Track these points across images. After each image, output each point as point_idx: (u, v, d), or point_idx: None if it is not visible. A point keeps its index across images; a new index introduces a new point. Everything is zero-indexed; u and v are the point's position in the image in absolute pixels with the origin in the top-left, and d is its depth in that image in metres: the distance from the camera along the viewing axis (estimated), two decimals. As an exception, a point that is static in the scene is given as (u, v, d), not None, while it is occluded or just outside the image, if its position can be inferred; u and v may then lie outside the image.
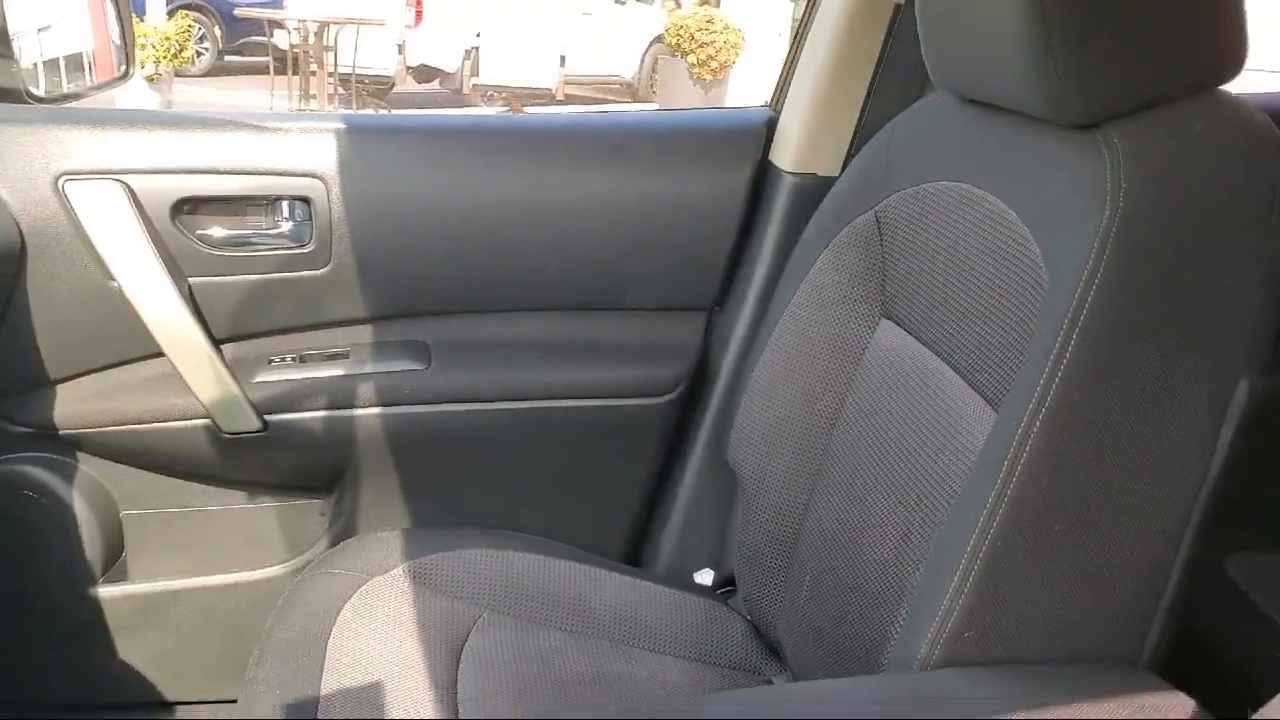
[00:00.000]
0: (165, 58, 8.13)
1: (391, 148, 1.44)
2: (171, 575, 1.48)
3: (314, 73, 8.85)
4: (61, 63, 1.64)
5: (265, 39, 10.32)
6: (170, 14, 9.17)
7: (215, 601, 1.47)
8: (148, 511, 1.49)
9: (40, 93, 1.49)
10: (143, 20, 8.55)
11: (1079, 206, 0.88)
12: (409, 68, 11.15)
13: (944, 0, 1.02)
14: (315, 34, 8.75)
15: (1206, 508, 0.87)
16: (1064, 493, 0.85)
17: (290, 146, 1.39)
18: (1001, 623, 0.86)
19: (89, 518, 1.44)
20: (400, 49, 10.55)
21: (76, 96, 1.57)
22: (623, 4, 12.74)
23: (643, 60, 12.42)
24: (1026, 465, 0.84)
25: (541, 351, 1.49)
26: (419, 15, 12.04)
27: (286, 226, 1.42)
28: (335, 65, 9.04)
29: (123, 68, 1.64)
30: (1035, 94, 0.92)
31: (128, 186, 1.34)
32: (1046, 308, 0.88)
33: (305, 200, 1.40)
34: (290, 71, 9.06)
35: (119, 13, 1.65)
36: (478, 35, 10.95)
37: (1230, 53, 0.91)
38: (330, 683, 1.12)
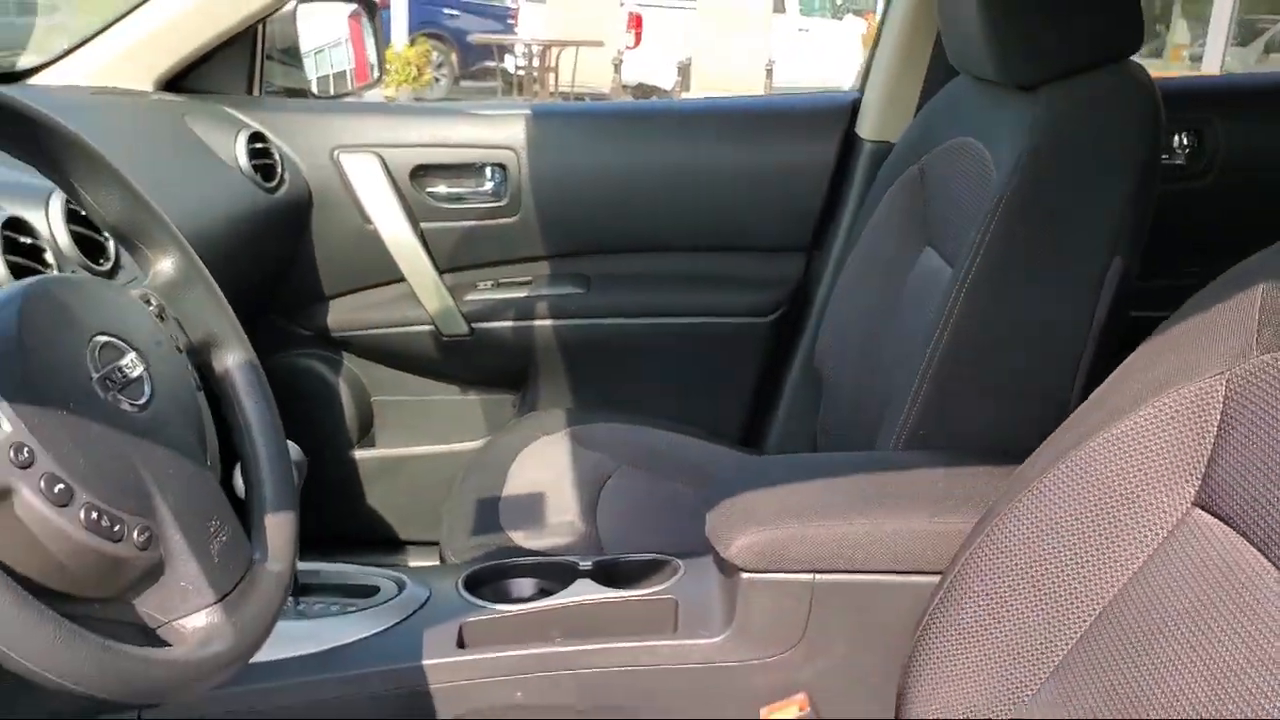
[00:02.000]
0: (405, 81, 9.04)
1: (565, 127, 1.94)
2: (404, 444, 2.03)
3: (536, 93, 9.62)
4: (331, 74, 2.21)
5: (496, 64, 11.20)
6: (412, 41, 10.13)
7: (434, 465, 2.00)
8: (389, 397, 2.04)
9: (320, 92, 2.06)
10: (386, 47, 9.52)
11: (1016, 139, 1.27)
12: (625, 86, 11.82)
13: None
14: (539, 56, 9.50)
15: (1092, 359, 1.24)
16: (984, 327, 1.24)
17: (492, 127, 1.91)
18: (944, 422, 1.26)
19: (349, 399, 2.00)
20: (616, 68, 11.22)
21: (344, 95, 2.14)
22: (839, 19, 13.07)
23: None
24: (961, 306, 1.24)
25: (673, 280, 1.95)
26: (638, 37, 12.72)
27: (489, 186, 1.94)
28: (556, 85, 9.78)
29: (375, 74, 2.21)
30: (992, 65, 1.32)
31: (380, 157, 1.89)
32: (988, 201, 1.27)
33: (502, 166, 1.92)
34: (515, 92, 9.86)
35: (375, 35, 2.22)
36: (688, 54, 11.49)
37: (1129, 30, 1.29)
38: (507, 495, 1.62)
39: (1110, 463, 0.84)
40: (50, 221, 1.13)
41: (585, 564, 1.27)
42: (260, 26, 1.91)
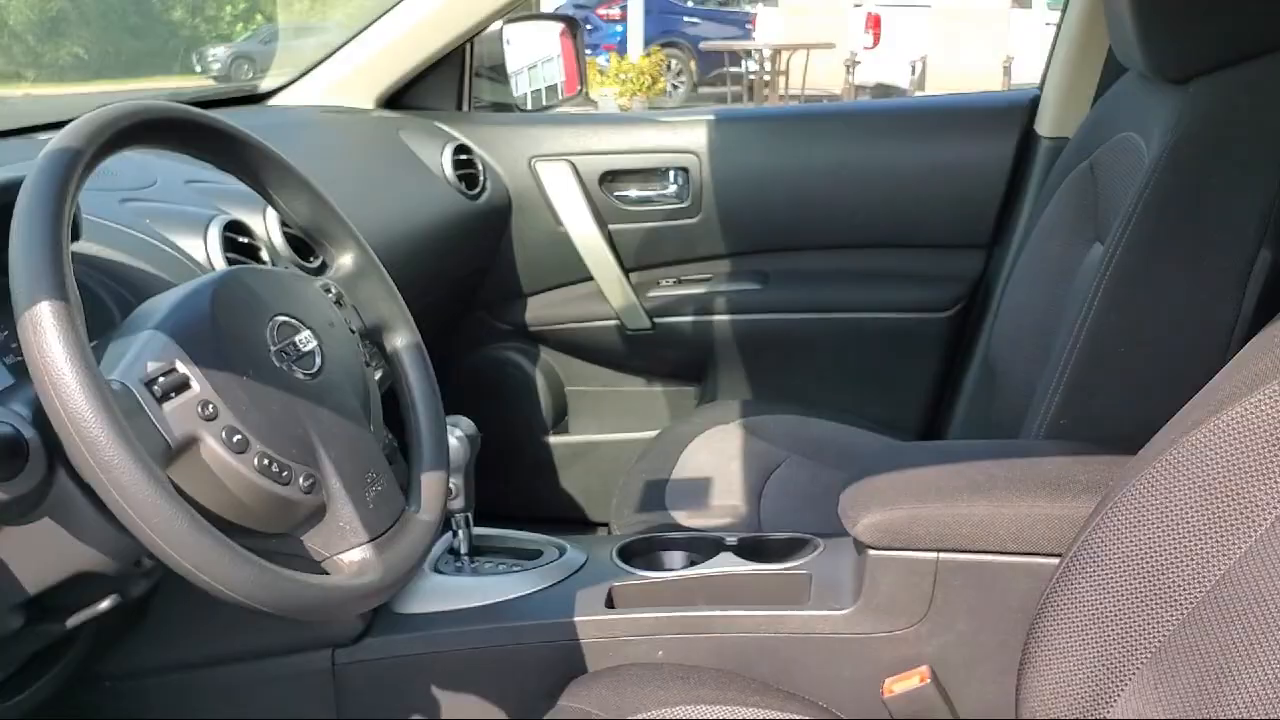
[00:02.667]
0: (640, 90, 9.32)
1: (744, 131, 2.03)
2: (593, 432, 2.17)
3: (766, 97, 9.72)
4: (544, 89, 2.38)
5: (732, 70, 11.37)
6: (647, 52, 10.43)
7: (619, 451, 2.12)
8: (581, 388, 2.19)
9: (527, 107, 2.23)
10: (622, 58, 9.84)
11: (1164, 132, 1.28)
12: (859, 86, 11.75)
13: None
14: (769, 60, 9.59)
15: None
16: (1126, 318, 1.25)
17: (675, 133, 2.02)
18: (1086, 412, 1.28)
19: (545, 388, 2.16)
20: (848, 69, 11.18)
21: (549, 108, 2.30)
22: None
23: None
24: (1102, 298, 1.25)
25: (850, 276, 2.00)
26: (877, 37, 12.63)
27: (672, 189, 2.06)
28: (786, 88, 9.84)
29: (579, 89, 2.36)
30: (1144, 59, 1.33)
31: (573, 164, 2.03)
32: (1135, 193, 1.27)
33: (685, 170, 2.02)
34: (746, 98, 9.99)
35: (579, 49, 2.37)
36: (922, 53, 11.32)
37: (1278, 21, 1.26)
38: (675, 478, 1.72)
39: (1217, 450, 0.86)
40: (266, 225, 1.32)
41: (731, 540, 1.36)
42: (468, 46, 2.09)
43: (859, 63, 11.78)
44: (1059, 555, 1.02)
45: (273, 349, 0.90)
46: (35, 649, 1.05)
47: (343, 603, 0.88)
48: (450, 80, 2.10)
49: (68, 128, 0.83)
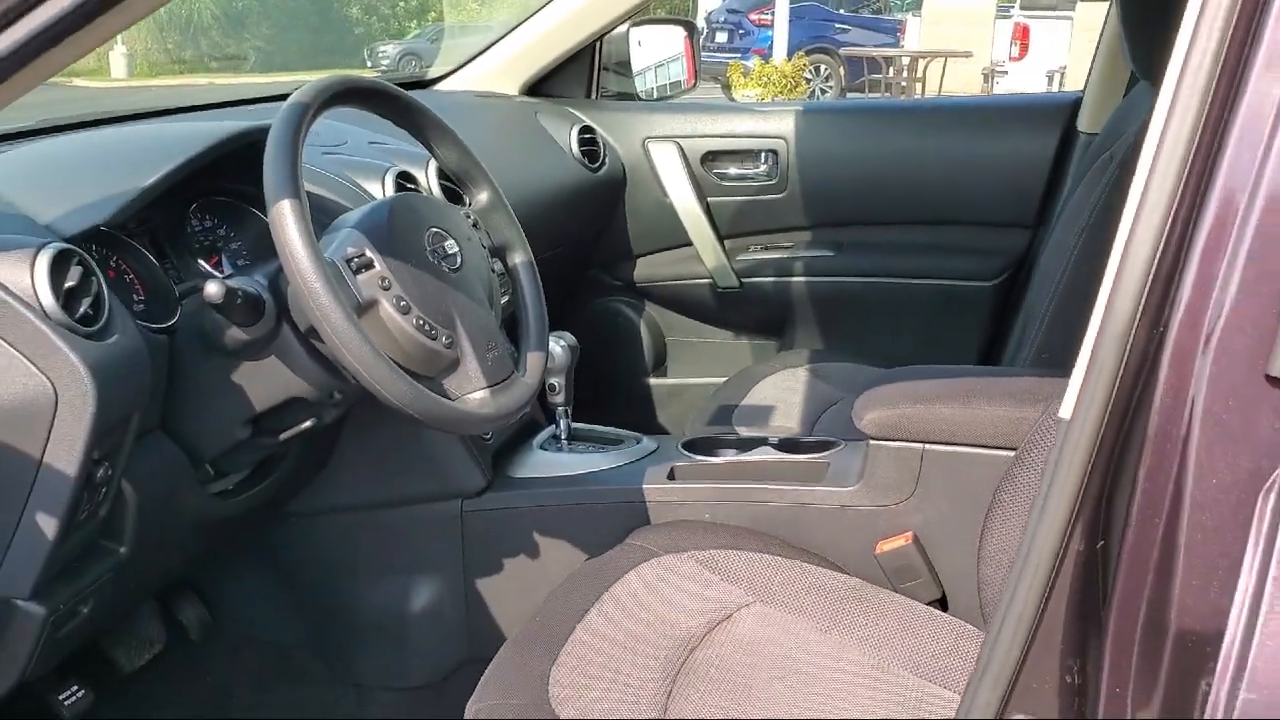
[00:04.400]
0: (781, 93, 9.64)
1: (825, 121, 2.38)
2: (688, 376, 2.53)
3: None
4: (668, 84, 2.75)
5: (874, 77, 11.56)
6: (790, 57, 10.74)
7: (709, 392, 2.48)
8: (679, 338, 2.56)
9: (649, 97, 2.61)
10: (766, 62, 10.17)
11: (1140, 124, 1.58)
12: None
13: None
14: (907, 67, 9.79)
15: None
16: (1092, 270, 1.56)
17: (767, 121, 2.38)
18: (1065, 347, 1.58)
19: (648, 336, 2.54)
20: (986, 78, 11.26)
21: (668, 98, 2.67)
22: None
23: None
24: (1081, 248, 1.56)
25: (912, 248, 2.33)
26: (1024, 48, 12.63)
27: (763, 168, 2.41)
28: (923, 95, 10.01)
29: (691, 82, 2.72)
30: (1133, 64, 1.63)
31: (679, 145, 2.41)
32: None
33: (775, 153, 2.38)
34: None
35: (694, 51, 2.74)
36: (1062, 63, 11.31)
37: None
38: (744, 404, 2.07)
39: None
40: (427, 175, 1.73)
41: (773, 439, 1.71)
42: (598, 44, 2.48)
43: (1005, 73, 11.83)
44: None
45: (428, 248, 1.29)
46: (258, 459, 1.47)
47: (465, 422, 1.27)
48: (582, 73, 2.50)
49: (300, 89, 1.24)
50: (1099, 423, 0.70)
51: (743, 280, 2.42)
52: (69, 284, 1.10)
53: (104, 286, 1.15)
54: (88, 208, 1.25)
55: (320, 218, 1.37)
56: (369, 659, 1.76)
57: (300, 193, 1.15)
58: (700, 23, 16.90)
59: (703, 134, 2.41)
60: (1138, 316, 0.69)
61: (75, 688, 1.48)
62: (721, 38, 15.99)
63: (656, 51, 2.75)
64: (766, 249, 2.44)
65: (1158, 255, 0.68)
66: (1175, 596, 0.66)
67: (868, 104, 2.39)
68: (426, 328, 1.24)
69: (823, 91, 13.23)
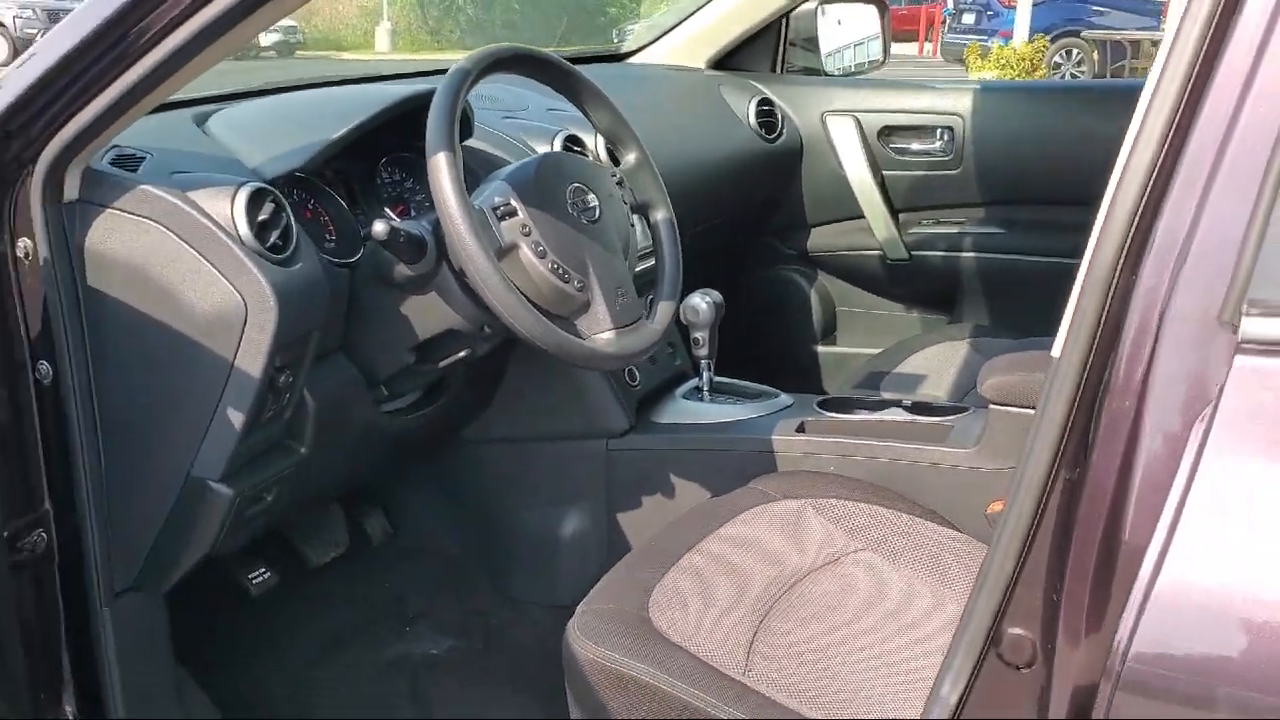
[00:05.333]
0: (1014, 74, 9.36)
1: (1002, 100, 2.39)
2: (857, 345, 2.60)
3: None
4: (868, 60, 2.81)
5: (1133, 63, 11.00)
6: (1030, 39, 10.37)
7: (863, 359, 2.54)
8: (848, 308, 2.63)
9: (832, 73, 2.68)
10: (1005, 44, 9.88)
11: None
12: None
13: None
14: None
15: None
16: None
17: (944, 98, 2.41)
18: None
19: (818, 306, 2.62)
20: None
21: (849, 74, 2.74)
22: None
23: None
24: None
25: (1085, 229, 2.31)
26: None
27: (938, 145, 2.45)
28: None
29: (880, 59, 2.77)
30: None
31: (857, 119, 2.47)
32: None
33: (950, 129, 2.41)
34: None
35: (884, 28, 2.78)
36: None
37: None
38: (895, 371, 2.13)
39: None
40: (595, 140, 1.88)
41: (906, 403, 1.78)
42: (784, 20, 2.58)
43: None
44: None
45: (569, 201, 1.44)
46: (423, 383, 1.67)
47: (591, 359, 1.42)
48: (768, 48, 2.60)
49: (464, 57, 1.41)
50: (1083, 361, 0.78)
51: (912, 253, 2.47)
52: (262, 217, 1.30)
53: (292, 221, 1.35)
54: (287, 155, 1.47)
55: (486, 171, 1.55)
56: (523, 576, 1.94)
57: (454, 147, 1.32)
58: (949, 3, 16.48)
59: (880, 109, 2.47)
60: (1120, 263, 0.75)
61: (263, 570, 1.72)
62: (968, 19, 15.55)
63: (853, 30, 2.81)
64: (938, 223, 2.47)
65: (1140, 206, 0.75)
66: (1124, 524, 0.73)
67: (1047, 84, 2.39)
68: (560, 271, 1.39)
69: (1074, 76, 12.69)
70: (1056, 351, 0.79)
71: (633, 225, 1.58)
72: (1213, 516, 0.67)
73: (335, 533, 1.95)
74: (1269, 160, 0.68)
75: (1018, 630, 0.82)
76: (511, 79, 1.70)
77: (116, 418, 1.34)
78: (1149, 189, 0.73)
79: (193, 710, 1.54)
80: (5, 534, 1.28)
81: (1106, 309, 0.76)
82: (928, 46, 17.79)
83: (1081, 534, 0.76)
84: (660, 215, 1.61)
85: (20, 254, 1.27)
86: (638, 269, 1.61)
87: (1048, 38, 11.65)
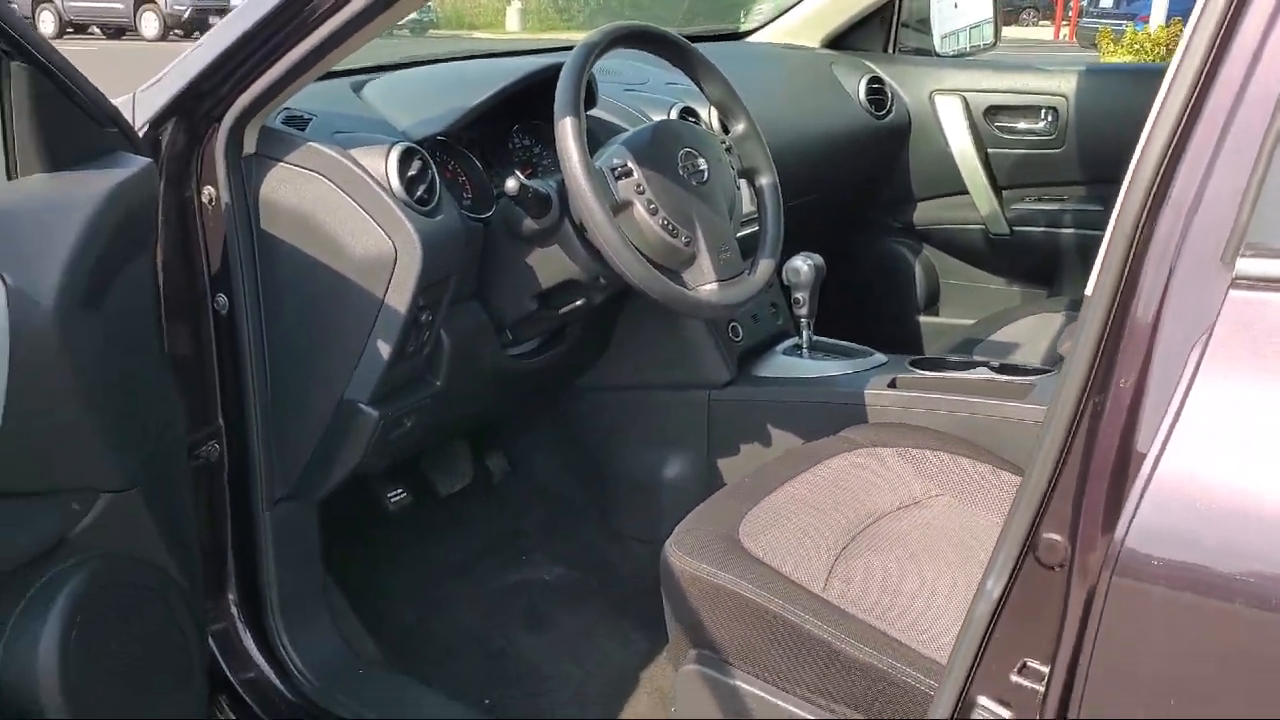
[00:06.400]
0: (1148, 59, 9.13)
1: (1106, 81, 2.47)
2: (959, 317, 2.70)
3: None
4: (983, 44, 2.88)
5: None
6: (1168, 23, 10.11)
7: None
8: (952, 280, 2.73)
9: (944, 54, 2.77)
10: (1140, 29, 9.65)
11: None
12: None
13: None
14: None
15: None
16: None
17: (1050, 80, 2.49)
18: None
19: (923, 278, 2.72)
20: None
21: (963, 55, 2.82)
22: None
23: None
24: None
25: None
26: None
27: (1042, 125, 2.52)
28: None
29: (991, 41, 2.85)
30: None
31: (964, 99, 2.56)
32: None
33: (1055, 110, 2.48)
34: None
35: (997, 11, 2.86)
36: None
37: None
38: (988, 340, 2.23)
39: None
40: (709, 112, 2.02)
41: (995, 364, 1.89)
42: (897, 2, 2.68)
43: None
44: None
45: (680, 165, 1.59)
46: (544, 330, 1.84)
47: (696, 308, 1.57)
48: (880, 28, 2.70)
49: (591, 32, 1.56)
50: (1111, 297, 0.90)
51: (1014, 228, 2.56)
52: (411, 173, 1.49)
53: (437, 178, 1.53)
54: (431, 119, 1.65)
55: (607, 137, 1.71)
56: (628, 514, 2.11)
57: (580, 113, 1.48)
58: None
59: (987, 89, 2.56)
60: (1143, 215, 0.87)
61: (401, 491, 1.92)
62: (1106, 2, 15.19)
63: (968, 14, 2.89)
64: (1040, 200, 2.55)
65: (1161, 167, 0.86)
66: (1135, 437, 0.85)
67: (1149, 67, 2.44)
68: (669, 227, 1.54)
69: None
70: (1089, 291, 0.91)
71: (738, 189, 1.72)
72: (1202, 425, 0.79)
73: (462, 467, 2.14)
74: (1266, 130, 0.80)
75: (1052, 535, 0.95)
76: (632, 55, 1.86)
77: (282, 346, 1.54)
78: (1168, 153, 0.85)
79: (334, 610, 1.74)
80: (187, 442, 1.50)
81: (1131, 253, 0.88)
82: (1064, 31, 17.39)
83: (1102, 447, 0.88)
84: (765, 180, 1.75)
85: (205, 200, 1.48)
86: (742, 233, 1.76)
87: (1185, 22, 11.21)
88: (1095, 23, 14.98)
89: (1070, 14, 17.82)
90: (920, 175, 2.65)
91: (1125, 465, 0.86)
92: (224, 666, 1.59)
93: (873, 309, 2.75)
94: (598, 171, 1.50)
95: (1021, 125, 2.55)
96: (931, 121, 2.60)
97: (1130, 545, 0.81)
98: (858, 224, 2.75)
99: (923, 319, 2.74)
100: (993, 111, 2.56)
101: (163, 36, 18.20)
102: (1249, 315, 0.79)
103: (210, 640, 1.57)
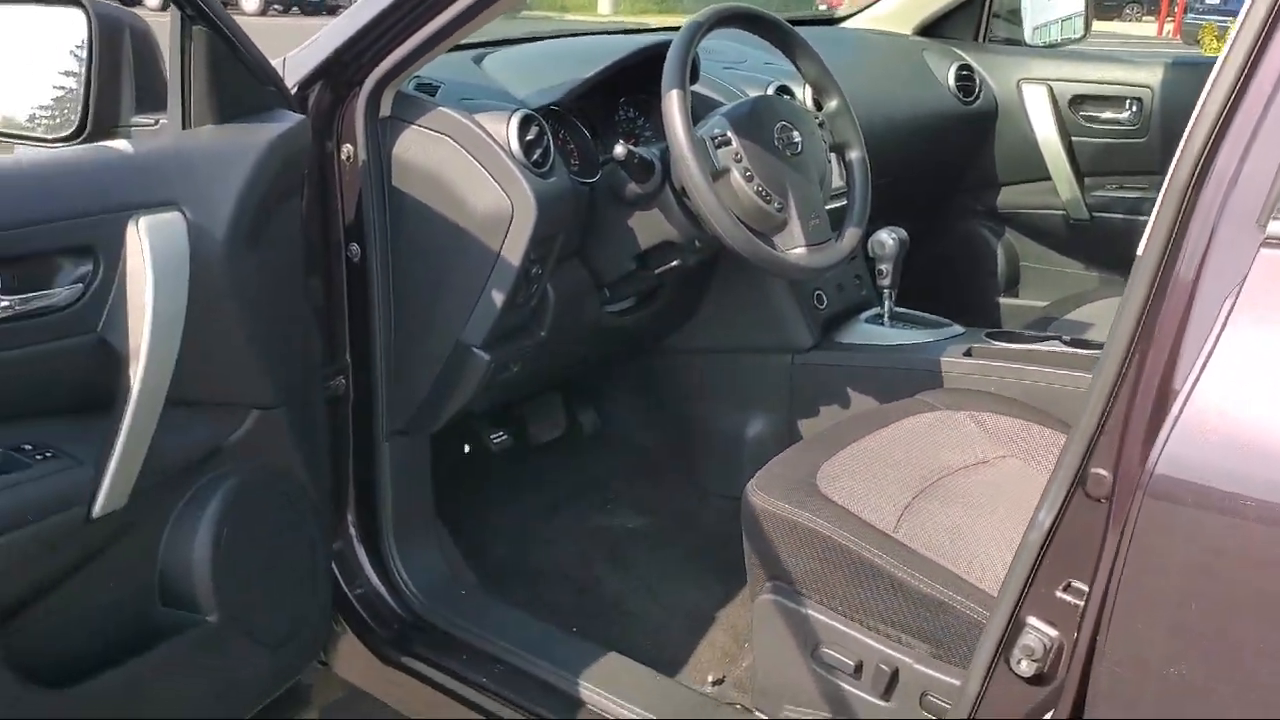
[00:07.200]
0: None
1: (1191, 73, 2.51)
2: (1039, 299, 2.77)
3: None
4: (1075, 36, 2.95)
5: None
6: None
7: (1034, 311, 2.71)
8: (1032, 264, 2.81)
9: (1033, 45, 2.84)
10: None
11: None
12: None
13: None
14: None
15: None
16: None
17: (1136, 71, 2.56)
18: None
19: (1004, 261, 2.81)
20: None
21: (1054, 46, 2.88)
22: None
23: None
24: None
25: None
26: None
27: (1126, 115, 2.59)
28: None
29: (1081, 33, 2.91)
30: None
31: (1050, 87, 2.64)
32: None
33: (1139, 100, 2.55)
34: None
35: (1088, 6, 2.92)
36: None
37: None
38: (1063, 318, 2.32)
39: None
40: (804, 90, 2.14)
41: (1067, 338, 1.98)
42: (989, -8, 2.77)
43: None
44: None
45: (776, 136, 1.72)
46: (641, 289, 1.98)
47: (786, 269, 1.70)
48: (971, 17, 2.79)
49: (698, 12, 1.69)
50: (1159, 257, 1.00)
51: (1094, 214, 2.63)
52: (529, 138, 1.63)
53: (551, 143, 1.67)
54: (546, 90, 1.79)
55: (707, 110, 1.83)
56: (711, 470, 2.24)
57: (685, 86, 1.61)
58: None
59: (1073, 79, 2.63)
60: (1190, 184, 0.98)
61: (502, 434, 2.08)
62: None
63: (1061, 7, 2.96)
64: (1121, 188, 2.62)
65: (1208, 142, 0.97)
66: (1174, 379, 0.96)
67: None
68: (764, 193, 1.67)
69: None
70: (1140, 251, 1.02)
71: (829, 162, 1.84)
72: (1230, 366, 0.90)
73: (556, 417, 2.29)
74: None
75: (1099, 470, 1.06)
76: (732, 35, 1.98)
77: (405, 292, 1.69)
78: (1214, 131, 0.95)
79: (439, 537, 1.90)
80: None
81: (1178, 218, 0.98)
82: (1168, 26, 17.03)
83: (1145, 388, 0.99)
84: (854, 155, 1.86)
85: (344, 157, 1.64)
86: (831, 206, 1.87)
87: None
88: (1200, 19, 14.68)
89: (1176, 10, 17.44)
90: (1004, 161, 2.74)
91: (1164, 404, 0.97)
92: (340, 580, 1.75)
93: (954, 287, 2.84)
94: (700, 140, 1.63)
95: (1106, 115, 2.62)
96: (1018, 109, 2.68)
97: (1161, 472, 0.92)
98: (942, 206, 2.84)
99: (1002, 300, 2.83)
100: (1078, 101, 2.63)
101: (263, 12, 18.76)
102: (1277, 270, 0.90)
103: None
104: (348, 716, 1.93)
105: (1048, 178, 2.68)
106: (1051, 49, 2.76)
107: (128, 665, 1.29)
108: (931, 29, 2.80)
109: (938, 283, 2.67)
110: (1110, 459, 1.05)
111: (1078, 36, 2.89)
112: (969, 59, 2.70)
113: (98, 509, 1.17)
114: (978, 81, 2.68)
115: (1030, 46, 2.77)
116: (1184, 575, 0.93)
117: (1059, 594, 1.07)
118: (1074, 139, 2.64)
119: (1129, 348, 1.02)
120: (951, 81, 2.64)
